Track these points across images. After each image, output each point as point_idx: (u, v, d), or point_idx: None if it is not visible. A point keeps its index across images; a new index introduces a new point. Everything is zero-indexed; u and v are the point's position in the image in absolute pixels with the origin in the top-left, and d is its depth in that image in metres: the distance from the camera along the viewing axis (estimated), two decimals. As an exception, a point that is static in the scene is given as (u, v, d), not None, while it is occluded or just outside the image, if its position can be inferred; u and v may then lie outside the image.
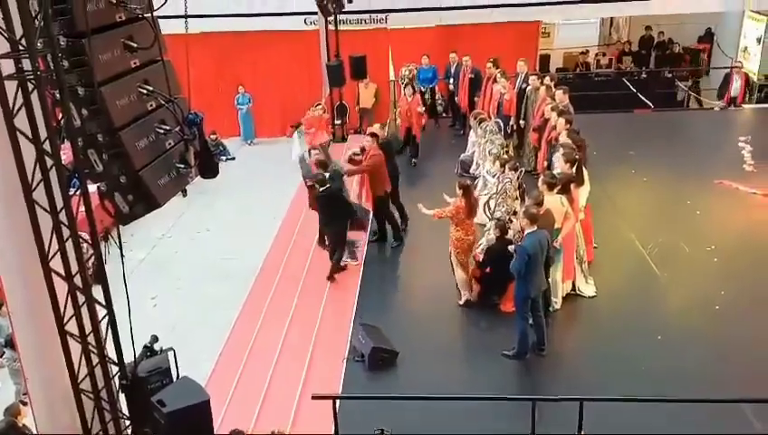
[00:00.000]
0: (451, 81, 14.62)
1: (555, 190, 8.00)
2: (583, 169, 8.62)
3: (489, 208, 9.51)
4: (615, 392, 6.69)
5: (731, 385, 6.98)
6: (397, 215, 10.44)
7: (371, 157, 9.83)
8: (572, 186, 8.25)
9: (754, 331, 7.84)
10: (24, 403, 7.63)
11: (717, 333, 7.89)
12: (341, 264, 9.60)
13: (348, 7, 15.14)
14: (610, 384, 7.03)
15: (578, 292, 8.59)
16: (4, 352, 8.82)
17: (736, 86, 15.75)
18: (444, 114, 15.93)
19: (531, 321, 7.56)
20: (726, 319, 8.09)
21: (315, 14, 15.28)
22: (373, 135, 10.07)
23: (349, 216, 9.52)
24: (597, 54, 20.02)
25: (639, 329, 7.97)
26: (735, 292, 8.57)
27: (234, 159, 16.74)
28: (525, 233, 7.45)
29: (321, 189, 9.14)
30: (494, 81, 12.76)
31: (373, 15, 16.74)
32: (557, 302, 8.34)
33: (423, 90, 14.99)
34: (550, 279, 7.96)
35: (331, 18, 15.00)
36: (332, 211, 9.35)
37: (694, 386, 6.95)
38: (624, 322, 8.19)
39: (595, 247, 9.15)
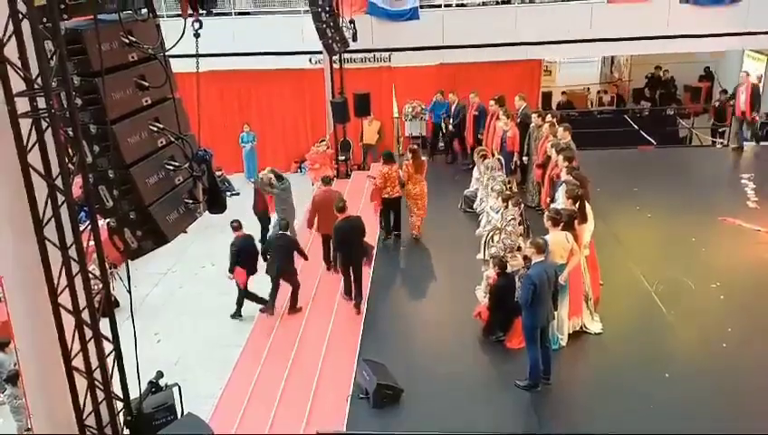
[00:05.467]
0: (451, 120, 14.80)
1: (560, 226, 8.02)
2: (586, 205, 8.65)
3: (493, 243, 9.52)
4: (623, 430, 6.63)
5: (740, 422, 6.93)
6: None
7: (315, 195, 10.05)
8: (576, 222, 8.28)
9: (762, 368, 7.79)
10: (26, 440, 7.58)
11: (725, 370, 7.82)
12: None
13: (352, 46, 15.41)
14: (618, 422, 6.98)
15: (584, 329, 8.54)
16: (5, 389, 8.75)
17: (743, 99, 15.08)
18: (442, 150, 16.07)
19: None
20: (734, 356, 8.03)
21: (320, 53, 15.53)
22: (325, 179, 10.44)
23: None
24: (599, 92, 20.27)
25: (647, 366, 7.91)
26: (742, 329, 8.53)
27: (238, 194, 16.82)
28: (532, 262, 7.50)
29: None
30: (498, 118, 12.89)
31: (377, 54, 17.05)
32: (563, 339, 8.29)
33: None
34: (556, 312, 7.93)
35: (335, 57, 15.27)
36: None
37: (702, 424, 6.87)
38: (631, 359, 8.14)
39: (601, 284, 9.13)
